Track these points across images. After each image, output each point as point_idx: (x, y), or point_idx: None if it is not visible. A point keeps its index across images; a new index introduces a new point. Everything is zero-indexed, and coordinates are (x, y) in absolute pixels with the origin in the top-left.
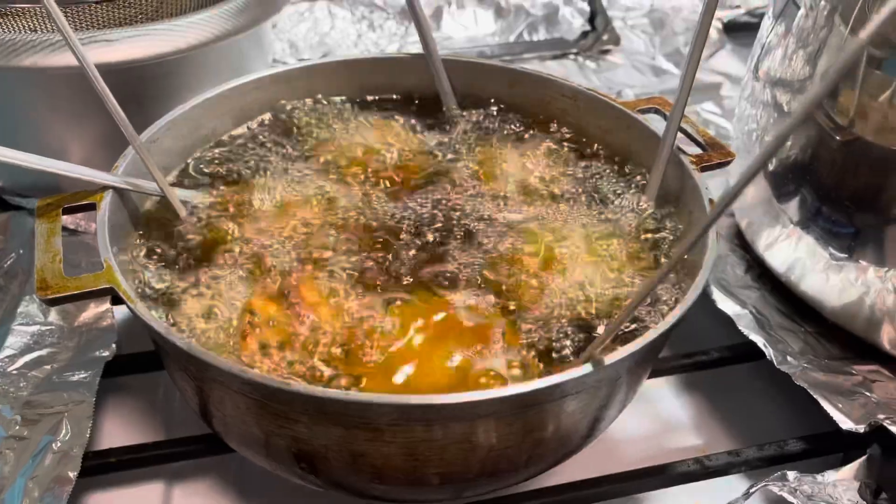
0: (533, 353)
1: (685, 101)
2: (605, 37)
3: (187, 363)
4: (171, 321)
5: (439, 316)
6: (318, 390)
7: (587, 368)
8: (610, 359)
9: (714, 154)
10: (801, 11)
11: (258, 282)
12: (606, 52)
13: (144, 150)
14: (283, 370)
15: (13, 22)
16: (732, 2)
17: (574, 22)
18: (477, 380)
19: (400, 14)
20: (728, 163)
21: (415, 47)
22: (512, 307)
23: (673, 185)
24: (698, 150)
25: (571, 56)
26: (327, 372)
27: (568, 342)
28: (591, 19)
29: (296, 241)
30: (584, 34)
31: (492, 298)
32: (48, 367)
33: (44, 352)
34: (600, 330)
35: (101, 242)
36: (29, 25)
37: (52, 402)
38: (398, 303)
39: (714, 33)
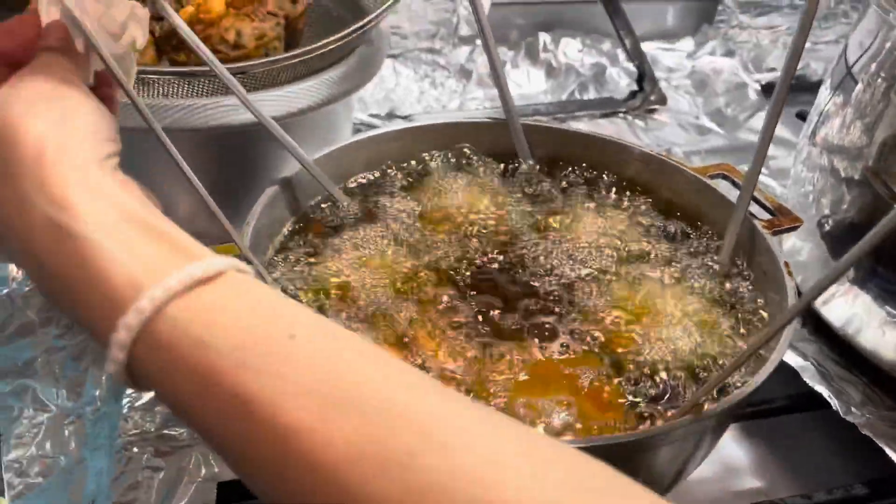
0: (628, 402)
1: (759, 171)
2: (652, 97)
3: None
4: None
5: (540, 365)
6: None
7: (686, 420)
8: (708, 411)
9: (784, 219)
10: (860, 86)
11: (380, 328)
12: (653, 111)
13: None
14: None
15: (151, 89)
16: (769, 65)
17: (621, 82)
18: (581, 426)
19: (459, 73)
20: (796, 227)
21: (472, 104)
22: (605, 359)
23: (745, 248)
24: (766, 215)
25: (621, 115)
26: None
27: (656, 394)
28: (640, 80)
29: (405, 292)
30: (633, 94)
31: (587, 351)
32: None
33: None
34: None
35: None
36: (162, 92)
37: (180, 436)
38: (502, 353)
39: (753, 95)
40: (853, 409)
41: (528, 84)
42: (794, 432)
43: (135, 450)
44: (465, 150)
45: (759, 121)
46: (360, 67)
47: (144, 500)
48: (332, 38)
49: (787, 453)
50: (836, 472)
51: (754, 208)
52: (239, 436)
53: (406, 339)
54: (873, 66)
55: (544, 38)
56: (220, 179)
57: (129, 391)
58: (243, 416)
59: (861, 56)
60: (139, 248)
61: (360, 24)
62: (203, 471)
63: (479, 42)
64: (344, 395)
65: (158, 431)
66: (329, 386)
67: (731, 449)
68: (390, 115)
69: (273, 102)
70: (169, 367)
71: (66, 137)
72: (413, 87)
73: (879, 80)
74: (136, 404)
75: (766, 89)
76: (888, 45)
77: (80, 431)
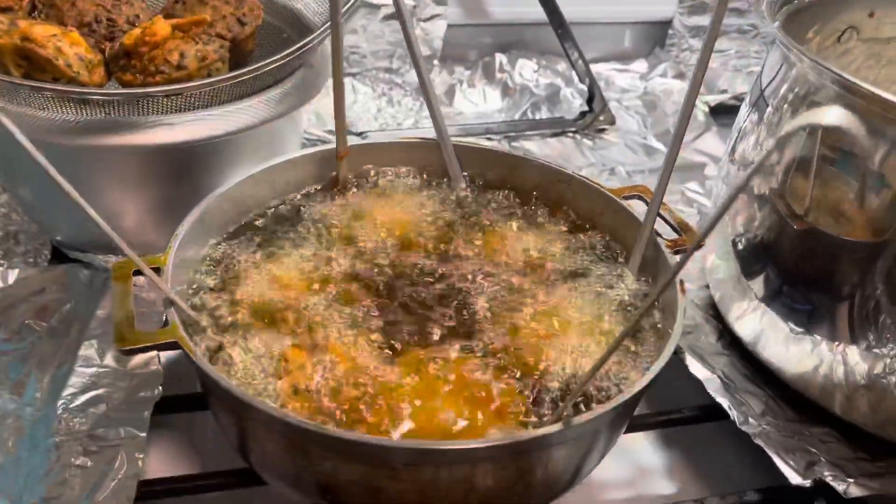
0: (526, 408)
1: (663, 193)
2: (601, 117)
3: (235, 406)
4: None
5: (443, 371)
6: (350, 434)
7: (557, 427)
8: (578, 420)
9: (687, 238)
10: (770, 108)
11: (293, 334)
12: (602, 130)
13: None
14: (312, 411)
15: (93, 108)
16: (720, 86)
17: (574, 102)
18: (479, 430)
19: (416, 91)
20: (699, 247)
21: (428, 122)
22: (509, 366)
23: (651, 265)
24: (674, 235)
25: (570, 134)
26: (347, 415)
27: (557, 398)
28: (590, 101)
29: (324, 301)
30: (583, 114)
31: (492, 359)
32: (105, 404)
33: (101, 391)
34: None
35: (165, 304)
36: (104, 111)
37: (109, 436)
38: (406, 358)
39: (701, 116)
40: (751, 419)
41: (484, 103)
42: (704, 441)
43: (65, 448)
44: (399, 168)
45: (705, 141)
46: (300, 89)
47: (69, 496)
48: (263, 63)
49: (697, 461)
50: (740, 478)
51: (664, 228)
52: None
53: (315, 343)
54: (781, 91)
55: (501, 58)
56: (168, 195)
57: (64, 393)
58: None
59: (772, 80)
60: None
61: (290, 50)
62: (126, 469)
63: (435, 62)
64: None
65: (89, 432)
66: None
67: (647, 456)
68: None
69: (212, 121)
70: None
71: None
72: (370, 105)
73: (785, 105)
74: (70, 406)
75: (714, 111)
76: (787, 83)
77: (19, 431)
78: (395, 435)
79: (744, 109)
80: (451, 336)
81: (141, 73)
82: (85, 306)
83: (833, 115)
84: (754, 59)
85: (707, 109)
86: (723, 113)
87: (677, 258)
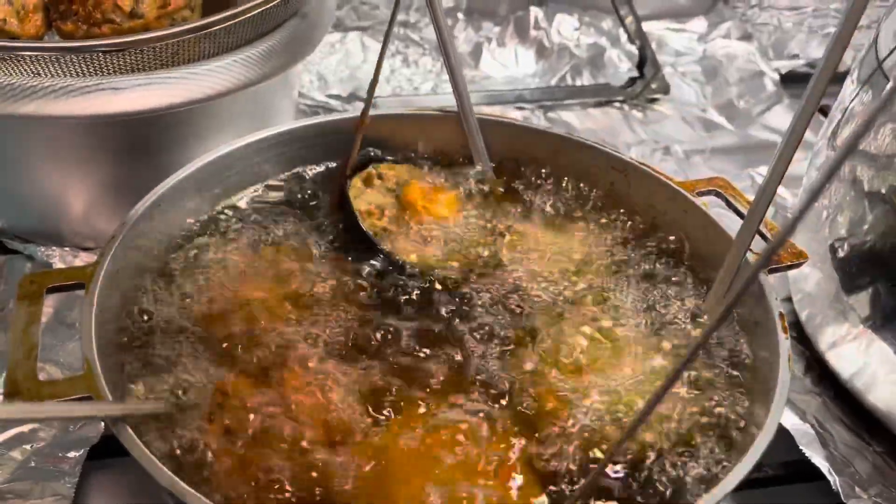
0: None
1: (768, 203)
2: (653, 85)
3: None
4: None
5: (438, 425)
6: None
7: None
8: None
9: (784, 254)
10: (892, 85)
11: (244, 361)
12: (654, 100)
13: None
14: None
15: (15, 66)
16: (791, 51)
17: (621, 66)
18: None
19: (436, 50)
20: (800, 264)
21: (449, 86)
22: (525, 425)
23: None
24: (763, 244)
25: (617, 104)
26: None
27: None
28: (640, 65)
29: (300, 326)
30: (632, 81)
31: (502, 411)
32: (28, 446)
33: (25, 428)
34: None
35: (84, 339)
36: (31, 70)
37: (27, 494)
38: (391, 404)
39: (770, 85)
40: (858, 489)
41: (516, 65)
42: None
43: None
44: (407, 145)
45: (776, 116)
46: (290, 45)
47: None
48: (240, 9)
49: None
50: None
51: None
52: None
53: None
54: None
55: (536, 12)
56: (120, 176)
57: None
58: None
59: (895, 49)
60: None
61: None
62: None
63: (459, 16)
64: None
65: (2, 487)
66: None
67: None
68: (353, 97)
69: (172, 85)
70: None
71: None
72: (383, 65)
73: None
74: None
75: (787, 79)
76: None
77: None
78: None
79: (849, 87)
80: (453, 373)
81: (85, 22)
82: None
83: None
84: (833, 20)
85: (778, 77)
86: (795, 82)
87: (771, 279)
